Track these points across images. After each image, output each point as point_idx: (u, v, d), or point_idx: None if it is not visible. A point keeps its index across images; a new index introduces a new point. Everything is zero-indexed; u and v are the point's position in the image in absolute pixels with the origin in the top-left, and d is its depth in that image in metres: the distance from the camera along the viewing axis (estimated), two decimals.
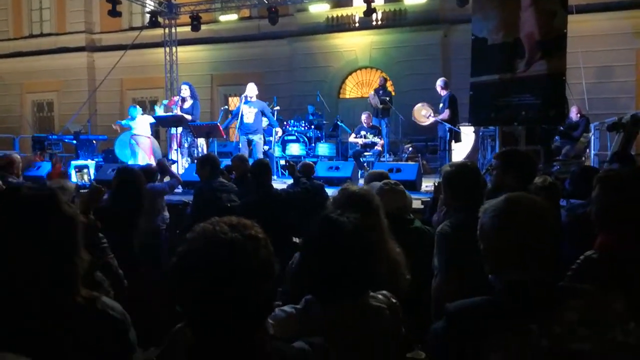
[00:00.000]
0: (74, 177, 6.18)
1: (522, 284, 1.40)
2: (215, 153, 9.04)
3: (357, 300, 1.51)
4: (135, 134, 9.65)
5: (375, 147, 9.47)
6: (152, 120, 9.80)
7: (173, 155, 9.02)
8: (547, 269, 1.41)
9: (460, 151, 9.17)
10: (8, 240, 1.20)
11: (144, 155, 9.60)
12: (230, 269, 1.03)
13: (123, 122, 9.92)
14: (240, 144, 8.88)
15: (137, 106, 10.29)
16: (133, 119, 9.66)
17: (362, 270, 1.49)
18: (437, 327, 1.50)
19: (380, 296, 1.60)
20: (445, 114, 8.52)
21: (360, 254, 1.49)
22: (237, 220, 1.12)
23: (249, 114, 8.62)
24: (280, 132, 9.08)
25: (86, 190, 2.66)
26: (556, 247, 1.48)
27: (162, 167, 5.54)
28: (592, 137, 8.68)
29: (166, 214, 5.22)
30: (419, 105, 9.24)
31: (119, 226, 3.07)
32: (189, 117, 8.80)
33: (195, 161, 6.60)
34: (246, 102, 8.67)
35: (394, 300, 1.62)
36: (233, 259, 1.04)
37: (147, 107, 16.66)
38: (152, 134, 10.09)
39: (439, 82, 8.97)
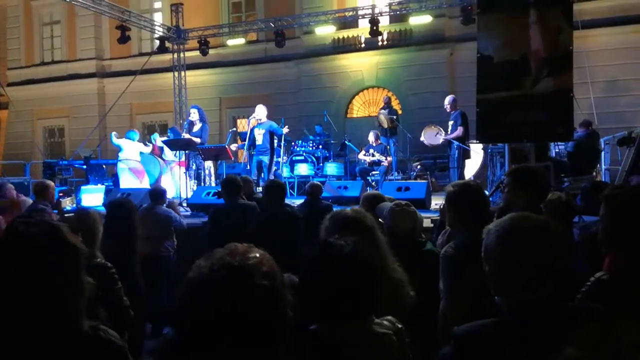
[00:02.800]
0: (65, 203, 6.21)
1: (530, 305, 1.36)
2: (224, 175, 9.09)
3: (358, 325, 1.48)
4: (124, 159, 9.83)
5: (382, 165, 9.48)
6: (145, 150, 10.00)
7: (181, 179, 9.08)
8: (555, 290, 1.37)
9: (469, 168, 9.13)
10: (13, 275, 1.20)
11: (136, 178, 9.78)
12: (232, 321, 1.00)
13: (115, 141, 10.08)
14: (248, 166, 8.90)
15: (138, 132, 10.52)
16: (132, 139, 9.94)
17: (362, 294, 1.46)
18: (444, 353, 1.46)
19: (385, 322, 1.56)
20: (459, 131, 8.50)
21: (358, 276, 1.47)
22: (240, 258, 1.05)
23: (258, 136, 8.67)
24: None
25: (72, 215, 2.67)
26: (566, 266, 1.44)
27: (173, 208, 5.69)
28: (603, 152, 8.61)
29: (175, 239, 5.34)
30: (428, 126, 9.23)
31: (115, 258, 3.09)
32: (198, 140, 8.87)
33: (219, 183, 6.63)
34: (257, 126, 8.72)
35: (399, 326, 1.58)
36: (234, 316, 1.00)
37: (157, 131, 16.84)
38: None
39: (448, 100, 8.93)
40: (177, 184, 9.41)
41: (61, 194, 5.75)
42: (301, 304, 1.40)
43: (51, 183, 5.55)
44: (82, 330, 1.27)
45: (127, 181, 9.77)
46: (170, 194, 8.61)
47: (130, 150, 9.92)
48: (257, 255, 1.08)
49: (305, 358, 1.35)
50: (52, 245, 1.25)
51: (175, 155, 9.73)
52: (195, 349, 1.02)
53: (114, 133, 10.25)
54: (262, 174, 8.63)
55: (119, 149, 10.10)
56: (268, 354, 1.04)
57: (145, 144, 10.59)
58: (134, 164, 9.91)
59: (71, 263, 1.27)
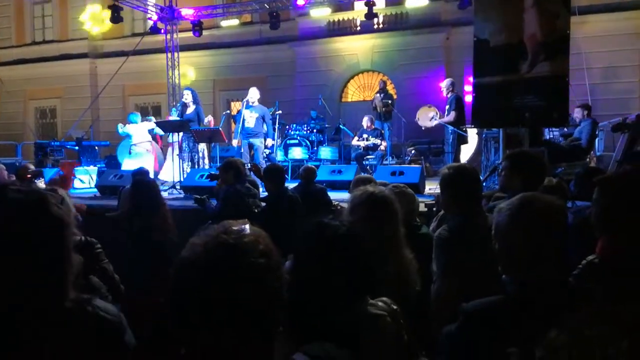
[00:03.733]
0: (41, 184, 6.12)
1: (537, 282, 1.38)
2: (218, 158, 9.03)
3: (352, 306, 1.47)
4: (138, 143, 9.70)
5: (379, 149, 9.45)
6: (152, 127, 9.87)
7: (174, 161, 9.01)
8: (560, 269, 1.40)
9: (463, 153, 9.13)
10: None
11: (152, 160, 9.69)
12: (227, 299, 0.97)
13: (120, 131, 9.95)
14: (242, 148, 8.87)
15: (138, 113, 10.38)
16: (135, 122, 9.78)
17: (355, 275, 1.45)
18: (451, 330, 1.47)
19: (380, 303, 1.55)
20: (452, 115, 8.46)
21: (352, 258, 1.46)
22: (235, 236, 1.01)
23: (250, 119, 8.61)
24: (270, 142, 9.13)
25: None
26: (565, 248, 1.48)
27: None
28: (597, 139, 8.64)
29: None
30: (425, 107, 9.18)
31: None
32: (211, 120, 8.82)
33: (218, 166, 6.61)
34: (248, 107, 8.67)
35: (394, 307, 1.57)
36: (229, 294, 0.97)
37: (150, 112, 16.71)
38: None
39: (446, 83, 8.87)
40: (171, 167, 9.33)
41: (29, 177, 5.56)
42: (295, 284, 1.38)
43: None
44: (66, 306, 1.22)
45: (147, 162, 9.55)
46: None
47: (140, 133, 9.75)
48: (253, 232, 1.05)
49: (297, 338, 1.35)
50: (38, 213, 1.20)
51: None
52: (190, 329, 1.00)
53: (120, 125, 10.10)
54: (254, 157, 8.62)
55: (128, 136, 9.91)
56: (263, 332, 1.03)
57: (148, 120, 10.50)
58: (148, 145, 9.83)
59: (57, 234, 1.22)
